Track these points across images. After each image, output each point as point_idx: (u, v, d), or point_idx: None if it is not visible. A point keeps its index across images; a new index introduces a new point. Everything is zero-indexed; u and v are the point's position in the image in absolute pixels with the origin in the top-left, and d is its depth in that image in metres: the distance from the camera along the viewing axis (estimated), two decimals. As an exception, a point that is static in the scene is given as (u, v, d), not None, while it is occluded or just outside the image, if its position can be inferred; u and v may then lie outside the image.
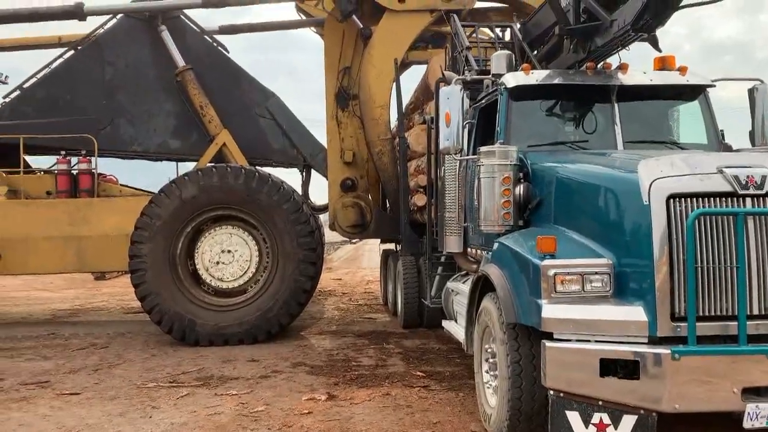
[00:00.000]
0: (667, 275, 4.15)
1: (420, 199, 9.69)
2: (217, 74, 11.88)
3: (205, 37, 12.42)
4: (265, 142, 12.06)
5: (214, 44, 12.58)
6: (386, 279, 12.75)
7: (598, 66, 6.11)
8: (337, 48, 11.05)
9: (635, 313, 4.22)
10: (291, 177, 12.70)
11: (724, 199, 4.21)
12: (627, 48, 5.94)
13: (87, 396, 6.78)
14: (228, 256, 9.71)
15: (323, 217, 12.84)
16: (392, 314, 11.78)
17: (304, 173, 12.58)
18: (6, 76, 13.89)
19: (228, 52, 12.80)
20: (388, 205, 11.89)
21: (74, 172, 11.30)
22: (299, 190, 12.26)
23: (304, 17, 13.13)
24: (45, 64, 12.02)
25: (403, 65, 11.21)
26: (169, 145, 11.85)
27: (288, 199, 9.67)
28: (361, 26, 10.81)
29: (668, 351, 4.04)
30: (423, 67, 11.77)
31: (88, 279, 19.50)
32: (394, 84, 10.57)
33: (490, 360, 5.36)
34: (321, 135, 11.92)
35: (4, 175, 11.18)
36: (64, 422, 5.90)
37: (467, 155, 6.38)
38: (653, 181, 4.24)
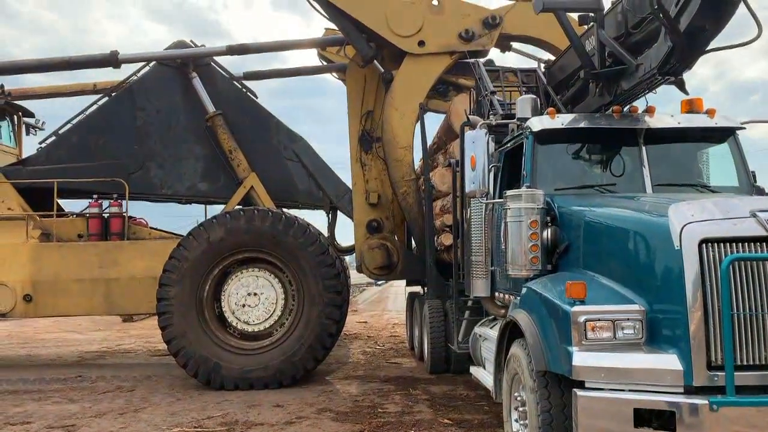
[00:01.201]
0: (702, 322, 4.04)
1: (447, 239, 9.65)
2: (246, 118, 12.14)
3: (235, 83, 12.74)
4: (292, 184, 12.22)
5: (243, 90, 12.89)
6: (412, 322, 12.62)
7: (625, 109, 6.10)
8: (360, 92, 11.23)
9: (670, 361, 4.10)
10: (317, 219, 12.78)
11: (757, 244, 4.11)
12: (654, 91, 5.92)
13: (112, 441, 6.75)
14: (254, 298, 9.72)
15: (349, 259, 12.84)
16: (419, 359, 11.61)
17: (330, 215, 12.67)
18: (43, 122, 14.29)
19: (257, 97, 13.11)
20: (414, 246, 11.86)
21: (105, 215, 11.52)
22: (325, 232, 12.33)
23: (326, 63, 13.43)
24: (80, 111, 12.42)
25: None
26: (198, 188, 12.06)
27: (314, 242, 9.70)
28: (383, 71, 10.99)
29: (706, 401, 3.91)
30: (441, 117, 11.91)
31: (116, 321, 19.66)
32: (419, 125, 10.66)
33: (520, 408, 5.22)
34: (346, 177, 12.07)
35: (37, 218, 11.43)
36: (88, 468, 5.86)
37: (493, 198, 6.36)
38: (685, 226, 4.17)
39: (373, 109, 11.18)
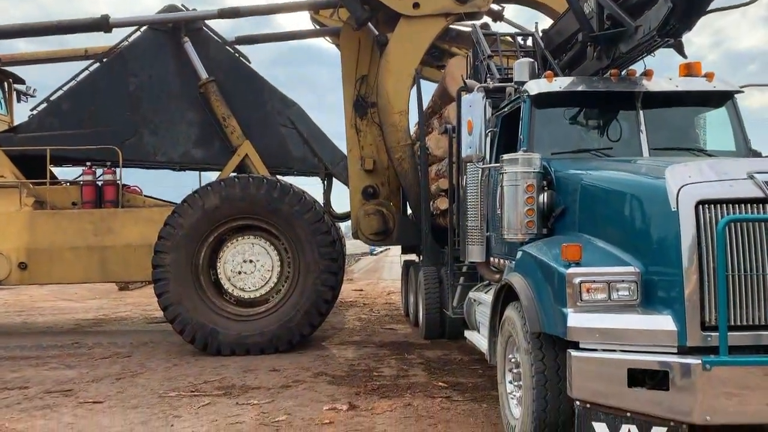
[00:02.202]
0: (697, 283, 4.05)
1: (442, 203, 9.65)
2: (239, 84, 12.00)
3: (227, 47, 12.56)
4: (286, 151, 12.15)
5: (236, 54, 12.71)
6: (407, 290, 12.69)
7: (623, 73, 6.04)
8: (354, 57, 11.09)
9: (664, 322, 4.12)
10: (313, 187, 12.72)
11: (754, 205, 4.10)
12: (652, 54, 5.86)
13: (109, 404, 6.80)
14: (250, 266, 9.73)
15: (345, 228, 12.83)
16: (413, 325, 11.71)
17: (325, 182, 12.63)
18: (34, 90, 14.12)
19: (249, 62, 12.94)
20: (409, 211, 11.87)
21: (99, 183, 11.46)
22: (321, 199, 12.31)
23: (319, 27, 13.24)
24: (71, 77, 12.24)
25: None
26: (192, 155, 11.97)
27: (309, 209, 9.68)
28: (377, 33, 10.84)
29: (699, 361, 3.92)
30: (435, 85, 11.81)
31: (112, 289, 19.73)
32: (414, 90, 10.57)
33: (514, 370, 5.27)
34: (342, 145, 12.00)
35: (31, 186, 11.36)
36: (86, 430, 5.92)
37: (489, 163, 6.33)
38: (681, 188, 4.15)
39: (368, 73, 11.06)
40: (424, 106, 10.96)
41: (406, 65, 10.52)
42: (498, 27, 12.38)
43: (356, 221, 11.24)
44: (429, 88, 12.07)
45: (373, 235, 11.21)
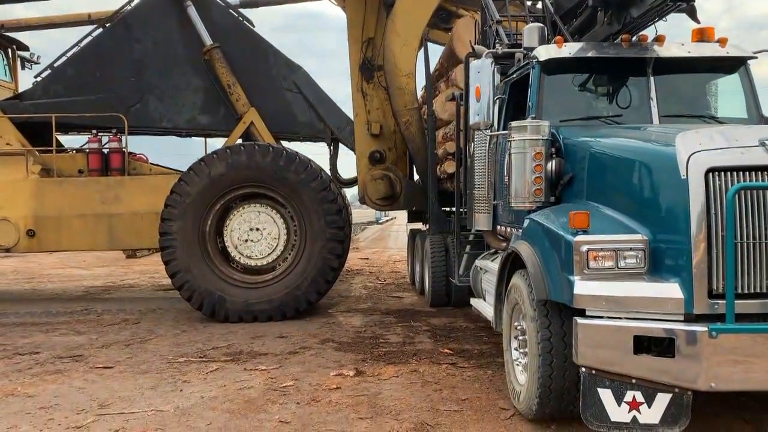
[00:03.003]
0: (705, 251, 4.04)
1: (449, 166, 9.60)
2: (244, 48, 11.88)
3: (231, 11, 12.41)
4: (292, 116, 12.05)
5: (240, 18, 12.57)
6: (413, 258, 12.73)
7: (634, 38, 5.94)
8: (360, 19, 10.94)
9: (671, 289, 4.12)
10: (319, 155, 12.67)
11: (765, 173, 4.06)
12: (664, 19, 5.75)
13: (119, 369, 6.89)
14: (256, 234, 9.76)
15: (351, 195, 12.81)
16: (419, 293, 11.77)
17: (331, 147, 12.57)
18: (38, 56, 14.04)
19: (253, 26, 12.80)
20: (416, 176, 11.84)
21: (105, 150, 11.44)
22: (327, 164, 12.30)
23: None
24: (75, 43, 12.15)
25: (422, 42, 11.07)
26: (198, 121, 11.92)
27: (315, 177, 9.66)
28: None
29: (705, 328, 3.94)
30: (442, 49, 11.68)
31: (120, 257, 19.86)
32: (422, 52, 10.45)
33: (520, 337, 5.30)
34: (348, 110, 11.93)
35: (37, 153, 11.35)
36: (97, 394, 6.01)
37: (498, 131, 6.27)
38: (691, 155, 4.11)
39: (375, 36, 10.91)
40: (431, 69, 10.82)
41: (414, 26, 10.37)
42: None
43: (363, 186, 11.22)
44: (436, 51, 11.96)
45: (380, 199, 11.20)
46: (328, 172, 12.28)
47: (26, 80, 13.75)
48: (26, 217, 10.88)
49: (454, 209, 8.80)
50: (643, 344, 4.13)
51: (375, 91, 11.08)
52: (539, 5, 8.24)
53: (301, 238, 9.70)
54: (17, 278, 15.93)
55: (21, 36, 13.63)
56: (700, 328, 3.97)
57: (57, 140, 11.64)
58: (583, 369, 4.30)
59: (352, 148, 11.63)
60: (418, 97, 11.09)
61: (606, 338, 4.21)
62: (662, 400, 4.10)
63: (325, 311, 10.23)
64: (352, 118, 11.56)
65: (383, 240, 31.30)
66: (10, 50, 13.36)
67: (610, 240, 4.34)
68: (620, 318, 4.21)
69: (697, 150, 4.12)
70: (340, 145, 12.48)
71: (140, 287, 13.96)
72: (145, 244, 11.99)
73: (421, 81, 10.99)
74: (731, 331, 3.94)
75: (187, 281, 9.42)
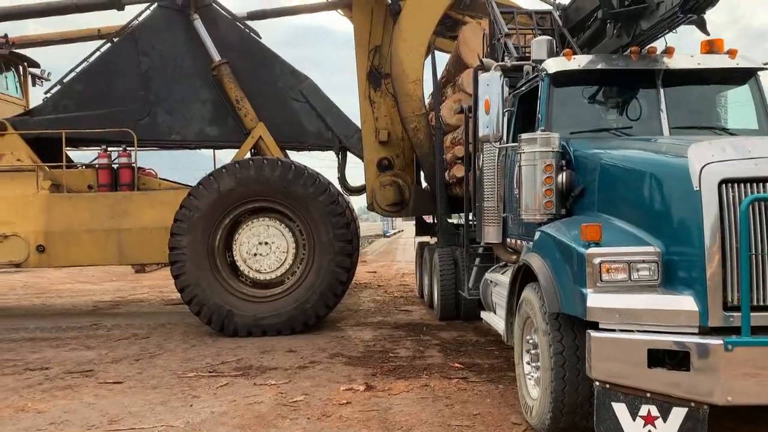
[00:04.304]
0: (719, 263, 4.00)
1: (458, 170, 9.60)
2: (251, 60, 11.95)
3: (237, 23, 12.50)
4: (300, 126, 12.07)
5: (246, 30, 12.66)
6: (422, 271, 12.69)
7: (643, 50, 5.94)
8: (367, 27, 11.02)
9: (685, 302, 4.08)
10: (328, 168, 12.68)
11: (779, 184, 4.03)
12: (674, 31, 5.75)
13: (129, 385, 6.88)
14: (265, 247, 9.77)
15: (360, 208, 12.82)
16: (428, 306, 11.72)
17: (339, 155, 12.59)
18: (48, 73, 14.16)
19: (260, 38, 12.89)
20: (424, 184, 11.85)
21: (115, 166, 11.50)
22: (336, 173, 12.33)
23: (330, 0, 13.15)
24: (84, 58, 12.26)
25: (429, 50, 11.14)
26: (207, 133, 11.97)
27: (324, 191, 9.67)
28: (390, 2, 10.75)
29: (720, 342, 3.90)
30: (447, 57, 11.75)
31: (129, 272, 19.92)
32: (429, 60, 10.51)
33: (532, 351, 5.26)
34: (354, 121, 11.95)
35: (47, 169, 11.42)
36: (107, 410, 5.99)
37: (507, 143, 6.27)
38: (704, 166, 4.09)
39: (381, 44, 11.00)
40: (438, 76, 10.87)
41: (421, 33, 10.44)
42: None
43: (371, 193, 11.25)
44: (442, 59, 12.02)
45: (389, 206, 11.22)
46: (337, 181, 12.34)
47: (37, 96, 13.84)
48: (36, 232, 10.93)
49: (462, 222, 8.79)
50: (658, 357, 4.08)
51: (382, 98, 11.15)
52: (547, 18, 8.24)
53: (310, 252, 9.69)
54: (27, 293, 15.98)
55: (32, 52, 13.79)
56: (715, 341, 3.92)
57: (67, 156, 11.71)
58: (597, 383, 4.25)
59: (360, 156, 11.67)
60: (426, 103, 11.13)
61: (620, 351, 4.17)
62: (678, 414, 4.05)
63: (334, 325, 10.20)
64: (359, 126, 11.59)
65: (391, 253, 31.26)
66: (21, 67, 13.50)
67: (622, 252, 4.31)
68: (634, 331, 4.17)
69: (709, 161, 4.10)
70: (349, 153, 12.50)
71: (149, 302, 13.97)
72: (154, 259, 12.02)
73: (428, 88, 11.07)
74: (747, 344, 3.90)
75: (196, 296, 9.42)
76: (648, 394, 4.11)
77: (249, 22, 13.14)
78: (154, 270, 19.86)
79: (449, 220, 11.14)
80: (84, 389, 6.74)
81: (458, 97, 9.90)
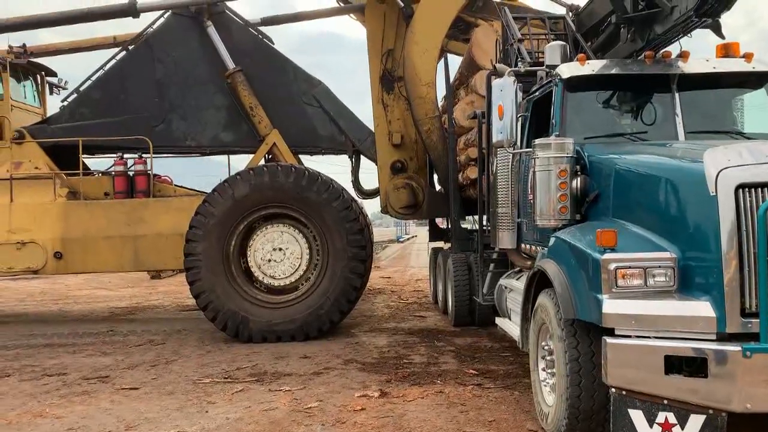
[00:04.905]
0: (737, 269, 3.97)
1: (472, 172, 9.59)
2: (264, 65, 12.02)
3: (250, 29, 12.60)
4: (313, 130, 12.13)
5: (259, 36, 12.75)
6: (436, 277, 12.67)
7: (657, 55, 5.91)
8: (379, 31, 11.08)
9: (702, 308, 4.05)
10: (340, 174, 12.70)
11: (797, 188, 3.99)
12: (689, 35, 5.72)
13: (145, 391, 6.92)
14: (279, 254, 9.80)
15: (373, 213, 12.83)
16: (442, 312, 11.70)
17: (353, 159, 12.63)
18: (65, 82, 14.32)
19: (273, 43, 12.97)
20: (438, 187, 11.86)
21: (131, 173, 11.61)
22: (348, 179, 12.37)
23: (342, 5, 13.23)
24: (99, 66, 12.39)
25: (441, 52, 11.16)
26: (222, 139, 12.06)
27: (337, 197, 9.70)
28: (402, 5, 10.80)
29: (739, 348, 3.86)
30: (460, 60, 11.76)
31: (144, 278, 20.04)
32: (442, 63, 10.53)
33: (547, 357, 5.24)
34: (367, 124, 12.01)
35: (64, 177, 11.55)
36: (124, 416, 6.03)
37: (521, 149, 6.26)
38: (720, 171, 4.06)
39: (394, 47, 11.06)
40: (451, 79, 10.89)
41: (433, 37, 10.48)
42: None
43: (385, 196, 11.28)
44: (455, 62, 12.06)
45: (402, 208, 11.25)
46: (350, 184, 12.40)
47: (54, 105, 14.00)
48: (54, 239, 11.04)
49: (476, 227, 8.77)
50: (675, 364, 4.05)
51: (395, 101, 11.20)
52: (560, 23, 8.24)
53: (324, 258, 9.72)
54: (45, 299, 16.14)
55: (49, 60, 13.96)
56: (733, 347, 3.89)
57: (83, 163, 11.84)
58: (613, 389, 4.23)
59: (374, 160, 11.71)
60: (438, 106, 11.16)
61: (636, 358, 4.14)
62: (696, 421, 4.01)
63: (348, 331, 10.20)
64: (372, 129, 11.64)
65: (404, 258, 31.24)
66: (38, 76, 13.66)
67: (638, 258, 4.29)
68: (650, 337, 4.14)
69: (726, 166, 4.07)
70: (362, 156, 12.54)
71: (165, 308, 14.06)
72: (169, 265, 12.10)
73: (441, 91, 11.09)
74: (766, 351, 3.85)
75: (211, 302, 9.47)
76: (665, 401, 4.08)
77: (262, 28, 13.23)
78: (169, 276, 19.98)
79: (463, 226, 11.12)
80: (101, 395, 6.79)
81: (471, 98, 9.92)
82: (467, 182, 10.08)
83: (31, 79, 13.47)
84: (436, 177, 11.88)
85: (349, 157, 12.60)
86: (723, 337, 4.00)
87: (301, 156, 12.70)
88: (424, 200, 11.25)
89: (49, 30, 13.19)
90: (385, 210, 11.46)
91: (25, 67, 13.05)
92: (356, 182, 12.74)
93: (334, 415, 5.88)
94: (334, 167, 13.60)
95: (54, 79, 14.16)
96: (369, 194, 12.77)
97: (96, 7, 12.19)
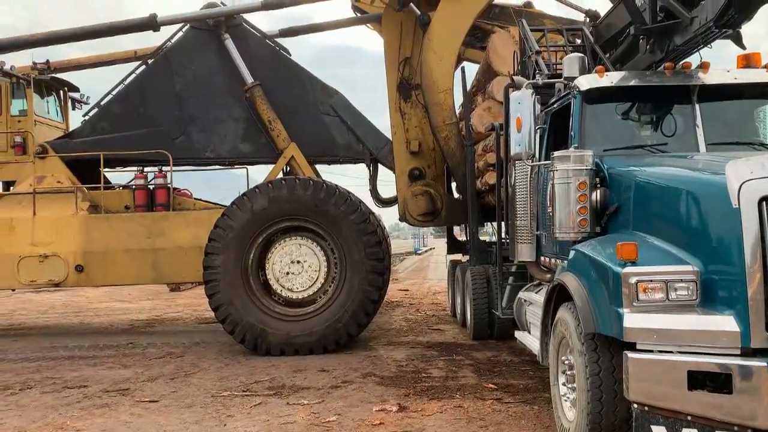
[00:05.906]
0: (761, 282, 3.90)
1: (491, 177, 9.56)
2: (281, 76, 12.10)
3: (267, 41, 12.73)
4: (331, 140, 12.17)
5: (276, 48, 12.87)
6: (454, 290, 12.61)
7: (677, 66, 5.86)
8: (396, 39, 11.16)
9: (726, 322, 3.98)
10: (357, 186, 12.73)
11: (821, 201, 3.92)
12: (709, 46, 5.67)
13: (165, 404, 6.95)
14: (297, 266, 9.83)
15: (390, 226, 12.83)
16: (461, 326, 11.63)
17: (371, 168, 12.66)
18: (87, 97, 14.54)
19: (290, 54, 13.09)
20: (456, 195, 11.84)
21: (151, 187, 11.73)
22: (365, 190, 12.40)
23: (359, 15, 13.33)
24: (120, 80, 12.57)
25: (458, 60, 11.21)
26: (241, 150, 12.15)
27: (355, 210, 9.72)
28: (419, 13, 10.85)
29: (764, 363, 3.78)
30: (477, 67, 11.78)
31: (164, 291, 20.19)
32: (461, 69, 10.58)
33: (568, 372, 5.18)
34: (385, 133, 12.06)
35: (86, 191, 11.70)
36: (143, 429, 6.06)
37: (539, 161, 6.23)
38: (743, 183, 4.00)
39: (411, 55, 11.14)
40: (468, 86, 10.91)
41: (450, 43, 10.54)
42: (541, 5, 12.32)
43: (403, 203, 11.30)
44: (472, 70, 12.08)
45: (421, 216, 11.26)
46: (368, 194, 12.43)
47: (77, 119, 14.21)
48: (75, 252, 11.16)
49: (494, 240, 8.73)
50: (698, 379, 3.98)
51: (413, 109, 11.25)
52: (579, 35, 8.21)
53: (342, 270, 9.73)
54: (66, 312, 16.31)
55: (71, 75, 14.18)
56: (758, 363, 3.81)
57: (104, 177, 11.99)
58: (635, 405, 4.17)
59: (392, 168, 11.74)
60: (456, 112, 11.18)
61: (659, 373, 4.08)
62: (720, 438, 3.93)
63: (366, 344, 10.17)
64: (389, 138, 11.68)
65: (422, 271, 31.14)
66: (61, 92, 13.90)
67: (659, 271, 4.23)
68: (673, 352, 4.08)
69: (748, 178, 4.01)
70: (380, 165, 12.57)
71: (184, 320, 14.14)
72: (189, 278, 12.18)
73: (458, 99, 11.13)
74: (792, 366, 3.77)
75: (230, 314, 9.51)
76: (689, 417, 3.99)
77: (279, 40, 13.36)
78: (188, 289, 20.11)
79: (481, 238, 11.08)
80: (121, 407, 6.83)
81: (488, 104, 9.92)
82: (486, 188, 10.05)
83: (54, 94, 13.71)
84: (454, 184, 11.89)
85: (366, 165, 12.64)
86: (747, 352, 3.92)
87: (318, 166, 12.76)
88: (442, 207, 11.26)
89: (71, 45, 13.34)
90: (403, 217, 11.48)
91: (48, 82, 13.29)
92: (374, 191, 12.77)
93: (353, 430, 5.85)
94: (349, 180, 13.62)
95: (76, 94, 14.38)
96: (387, 202, 12.80)
97: (117, 22, 12.39)
